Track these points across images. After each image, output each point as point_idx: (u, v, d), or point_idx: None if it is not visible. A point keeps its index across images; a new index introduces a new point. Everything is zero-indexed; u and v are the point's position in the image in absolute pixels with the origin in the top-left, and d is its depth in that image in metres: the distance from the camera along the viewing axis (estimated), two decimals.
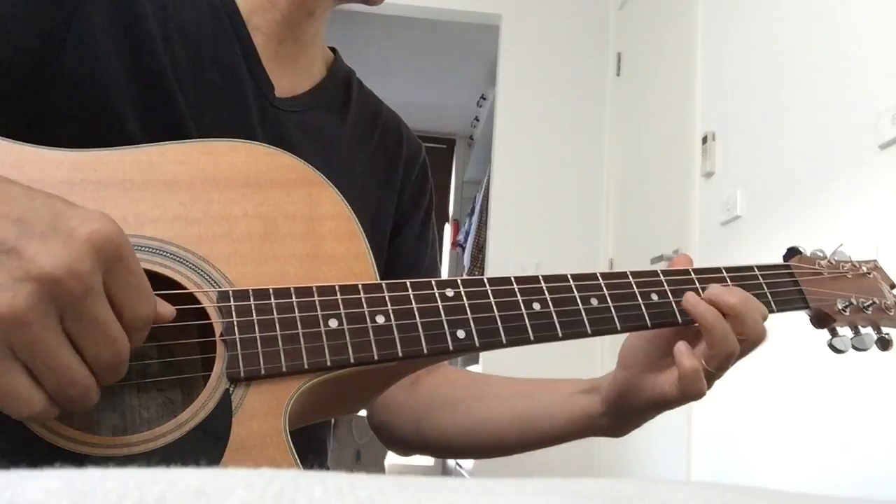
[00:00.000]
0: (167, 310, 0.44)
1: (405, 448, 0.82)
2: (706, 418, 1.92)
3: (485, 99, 4.53)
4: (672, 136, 2.40)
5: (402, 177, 0.82)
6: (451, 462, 4.07)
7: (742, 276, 0.65)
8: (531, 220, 3.06)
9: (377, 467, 3.15)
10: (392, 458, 3.28)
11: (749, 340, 0.59)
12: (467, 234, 4.55)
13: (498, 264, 3.01)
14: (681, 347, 0.59)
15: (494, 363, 2.71)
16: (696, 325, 0.60)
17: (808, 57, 1.65)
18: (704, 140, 2.12)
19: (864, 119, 1.42)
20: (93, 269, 0.38)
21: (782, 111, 1.74)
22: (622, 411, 0.66)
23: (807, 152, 1.61)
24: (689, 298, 0.59)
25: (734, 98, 2.01)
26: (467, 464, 3.21)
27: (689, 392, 0.59)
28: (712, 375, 0.60)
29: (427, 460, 4.64)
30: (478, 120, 4.83)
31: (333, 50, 0.83)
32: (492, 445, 0.75)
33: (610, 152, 3.08)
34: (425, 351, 0.51)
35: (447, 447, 0.78)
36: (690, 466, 1.98)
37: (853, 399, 1.34)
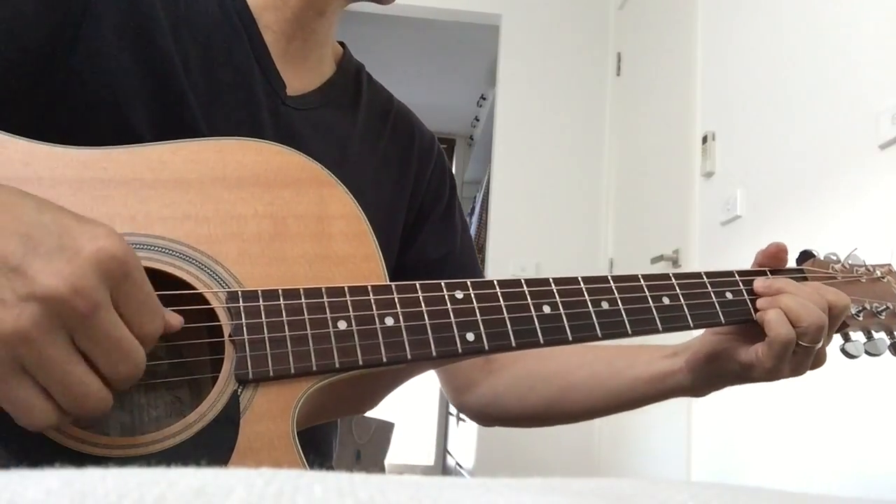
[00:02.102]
0: (175, 320, 0.44)
1: (489, 421, 0.85)
2: (706, 418, 1.92)
3: (485, 99, 4.53)
4: (672, 136, 2.39)
5: (416, 170, 0.81)
6: (450, 461, 4.07)
7: (755, 279, 0.64)
8: (531, 220, 3.06)
9: (377, 467, 3.15)
10: (392, 458, 3.28)
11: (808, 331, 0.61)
12: None
13: (498, 264, 3.01)
14: (763, 303, 0.62)
15: None
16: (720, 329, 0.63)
17: (808, 57, 1.65)
18: (704, 140, 2.12)
19: (864, 119, 1.41)
20: (98, 286, 0.38)
21: (782, 111, 1.74)
22: (709, 372, 0.68)
23: (807, 152, 1.61)
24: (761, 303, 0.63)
25: (734, 98, 2.01)
26: (467, 463, 3.21)
27: (777, 343, 0.60)
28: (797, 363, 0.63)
29: (427, 460, 4.64)
30: (478, 120, 4.82)
31: (342, 45, 0.83)
32: (578, 411, 0.77)
33: (610, 152, 3.08)
34: (434, 353, 0.51)
35: (532, 418, 0.81)
36: (690, 466, 1.98)
37: (853, 399, 1.34)
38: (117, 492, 0.18)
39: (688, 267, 2.17)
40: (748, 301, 0.63)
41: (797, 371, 0.63)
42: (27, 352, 0.36)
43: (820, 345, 0.62)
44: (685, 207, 2.21)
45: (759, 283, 0.64)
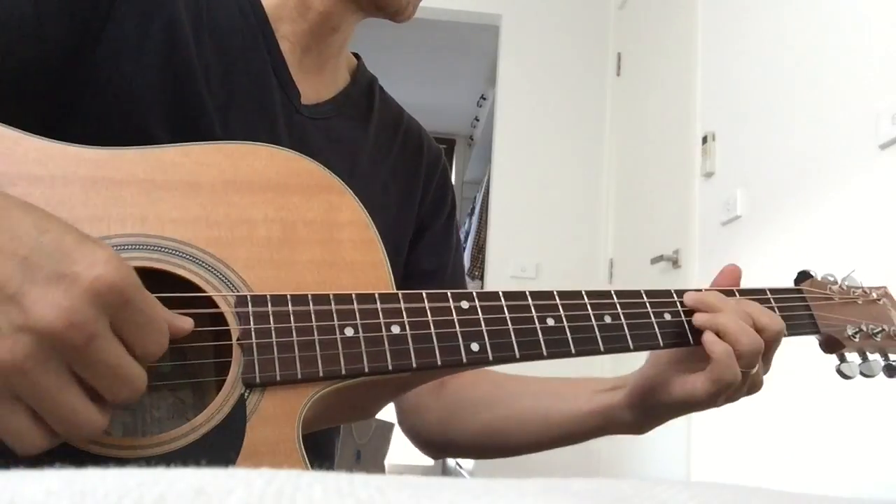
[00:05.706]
0: (186, 323, 0.44)
1: (434, 450, 0.83)
2: (706, 418, 1.92)
3: (485, 99, 4.53)
4: (672, 136, 2.40)
5: (423, 183, 0.82)
6: (451, 462, 4.07)
7: (755, 298, 0.64)
8: (531, 220, 3.06)
9: (377, 467, 3.15)
10: (392, 458, 3.28)
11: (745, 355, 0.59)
12: (467, 234, 4.55)
13: (498, 264, 3.01)
14: (710, 336, 0.59)
15: None
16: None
17: (808, 57, 1.65)
18: (704, 140, 2.12)
19: (864, 119, 1.42)
20: (95, 317, 0.37)
21: (782, 111, 1.74)
22: (648, 407, 0.66)
23: (807, 152, 1.61)
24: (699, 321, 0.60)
25: (734, 98, 2.01)
26: (467, 464, 3.21)
27: (722, 382, 0.58)
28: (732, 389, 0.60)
29: (427, 460, 4.64)
30: (478, 120, 4.83)
31: (357, 56, 0.84)
32: (517, 443, 0.75)
33: (610, 152, 3.08)
34: (439, 363, 0.51)
35: (474, 446, 0.79)
36: (690, 466, 1.98)
37: (853, 399, 1.34)
38: (117, 492, 0.18)
39: (688, 267, 2.17)
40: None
41: (732, 399, 0.62)
42: (19, 381, 0.36)
43: (754, 370, 0.60)
44: (685, 207, 2.21)
45: (690, 298, 0.61)
